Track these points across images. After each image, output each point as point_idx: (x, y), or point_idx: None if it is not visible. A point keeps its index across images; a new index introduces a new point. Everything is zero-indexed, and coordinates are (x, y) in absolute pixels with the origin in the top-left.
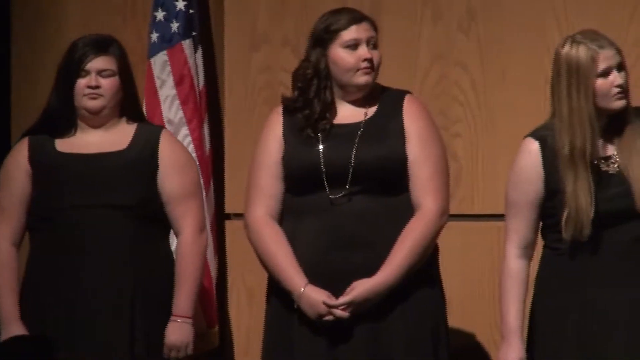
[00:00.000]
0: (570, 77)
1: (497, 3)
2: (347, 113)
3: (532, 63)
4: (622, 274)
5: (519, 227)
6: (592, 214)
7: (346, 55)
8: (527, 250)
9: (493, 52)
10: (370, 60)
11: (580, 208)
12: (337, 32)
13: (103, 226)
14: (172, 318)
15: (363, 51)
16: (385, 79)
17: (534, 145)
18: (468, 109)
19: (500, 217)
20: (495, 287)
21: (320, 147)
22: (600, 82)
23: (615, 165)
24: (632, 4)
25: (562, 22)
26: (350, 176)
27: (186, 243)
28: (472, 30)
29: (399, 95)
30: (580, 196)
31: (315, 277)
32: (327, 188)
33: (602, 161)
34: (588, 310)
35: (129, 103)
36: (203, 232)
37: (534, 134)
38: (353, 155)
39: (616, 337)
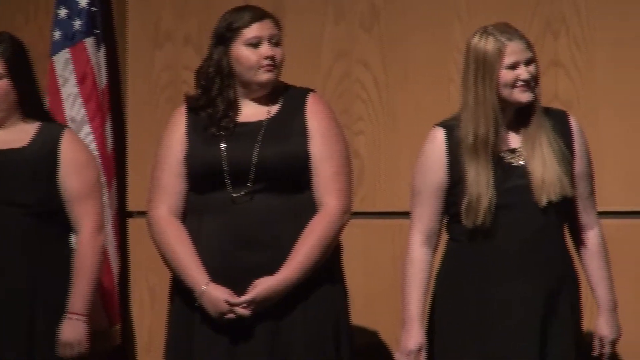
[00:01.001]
0: (477, 68)
1: (400, 1)
2: (251, 111)
3: (434, 61)
4: (522, 267)
5: (423, 215)
6: (488, 203)
7: (248, 53)
8: (431, 239)
9: (395, 50)
10: (272, 58)
11: (480, 195)
12: (239, 29)
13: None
14: (67, 315)
15: (265, 49)
16: (288, 77)
17: (439, 134)
18: (371, 107)
19: (402, 214)
20: (397, 284)
21: (223, 145)
22: (504, 73)
23: (520, 158)
24: (534, 3)
25: (464, 20)
26: (252, 174)
27: (83, 242)
28: (374, 28)
29: (302, 94)
30: (481, 184)
31: (218, 275)
32: (229, 186)
33: (508, 153)
34: (488, 303)
35: (29, 102)
36: (101, 232)
37: (442, 123)
38: (255, 154)
39: (511, 331)
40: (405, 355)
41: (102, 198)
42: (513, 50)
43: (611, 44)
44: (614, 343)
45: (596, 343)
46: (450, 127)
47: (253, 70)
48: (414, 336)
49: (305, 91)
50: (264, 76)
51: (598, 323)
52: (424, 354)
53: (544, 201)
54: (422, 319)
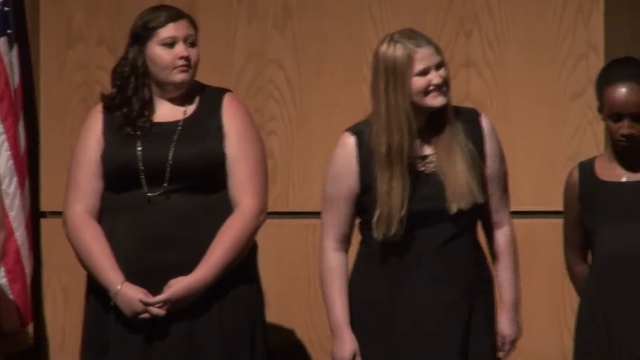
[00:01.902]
0: (387, 76)
1: (313, 1)
2: (167, 111)
3: (347, 61)
4: (433, 275)
5: (335, 221)
6: (401, 216)
7: (163, 53)
8: (344, 243)
9: (309, 49)
10: (187, 58)
11: (392, 208)
12: (154, 29)
13: None
14: None
15: (180, 49)
16: (201, 77)
17: (350, 140)
18: (284, 107)
19: (315, 214)
20: (311, 284)
21: (139, 145)
22: (416, 80)
23: (432, 165)
24: (447, 2)
25: (377, 20)
26: (168, 174)
27: None
28: (287, 27)
29: (218, 94)
30: (394, 196)
31: (133, 275)
32: (145, 186)
33: (419, 160)
34: (398, 311)
35: None
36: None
37: (352, 129)
38: (171, 154)
39: (426, 339)
40: None
41: (3, 199)
42: (422, 56)
43: (523, 43)
44: (513, 342)
45: (499, 341)
46: (361, 133)
47: (167, 70)
48: (347, 343)
49: (222, 91)
50: (179, 76)
51: (500, 322)
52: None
53: (454, 209)
54: (349, 325)
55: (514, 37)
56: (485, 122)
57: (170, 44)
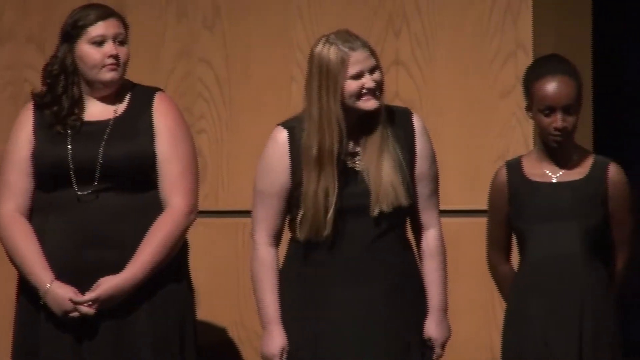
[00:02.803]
0: (321, 78)
1: (242, 0)
2: (97, 110)
3: (276, 60)
4: (358, 274)
5: (267, 216)
6: (330, 215)
7: (92, 51)
8: (276, 239)
9: (237, 48)
10: (116, 57)
11: (318, 210)
12: (84, 27)
13: None
14: None
15: (109, 47)
16: (131, 76)
17: (282, 135)
18: (213, 106)
19: (244, 213)
20: (241, 282)
21: (69, 144)
22: (349, 84)
23: (360, 163)
24: (375, 2)
25: (305, 19)
26: (98, 173)
27: None
28: (216, 26)
29: (149, 93)
30: (321, 198)
31: (64, 274)
32: (75, 185)
33: (349, 157)
34: (325, 307)
35: None
36: None
37: (285, 124)
38: (101, 153)
39: (349, 338)
40: (267, 357)
41: None
42: (357, 60)
43: (452, 41)
44: (443, 345)
45: (428, 343)
46: (293, 128)
47: (96, 69)
48: (276, 339)
49: (153, 90)
50: (108, 75)
51: (427, 324)
52: (285, 357)
53: (375, 211)
54: (280, 320)
55: (443, 36)
56: (417, 122)
57: (99, 42)
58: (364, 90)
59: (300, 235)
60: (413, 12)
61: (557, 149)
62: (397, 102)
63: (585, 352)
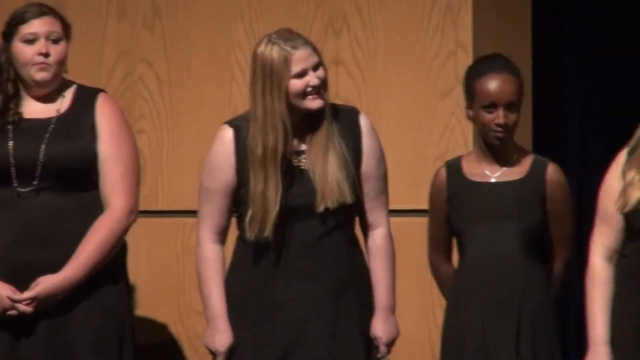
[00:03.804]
0: (264, 78)
1: (182, 0)
2: (39, 108)
3: (216, 59)
4: (304, 272)
5: (212, 213)
6: (274, 216)
7: (24, 49)
8: (221, 236)
9: (178, 48)
10: (46, 55)
11: (266, 210)
12: (17, 26)
13: None
14: None
15: (40, 46)
16: (71, 75)
17: (228, 133)
18: (153, 106)
19: (185, 212)
20: (181, 282)
21: (10, 141)
22: (293, 83)
23: (306, 162)
24: (315, 2)
25: (246, 19)
26: (38, 172)
27: None
28: (156, 26)
29: (92, 93)
30: (268, 197)
31: (3, 271)
32: (15, 183)
33: (294, 155)
34: (270, 305)
35: None
36: None
37: (231, 122)
38: (42, 151)
39: (293, 336)
40: (215, 355)
41: None
42: (299, 58)
43: (392, 42)
44: (389, 344)
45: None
46: (240, 126)
47: (28, 67)
48: (222, 334)
49: (96, 91)
50: (38, 75)
51: (373, 323)
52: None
53: (321, 208)
54: (227, 317)
55: (383, 36)
56: (364, 121)
57: (31, 40)
58: (309, 89)
59: (250, 235)
60: (353, 13)
61: (496, 149)
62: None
63: (523, 352)
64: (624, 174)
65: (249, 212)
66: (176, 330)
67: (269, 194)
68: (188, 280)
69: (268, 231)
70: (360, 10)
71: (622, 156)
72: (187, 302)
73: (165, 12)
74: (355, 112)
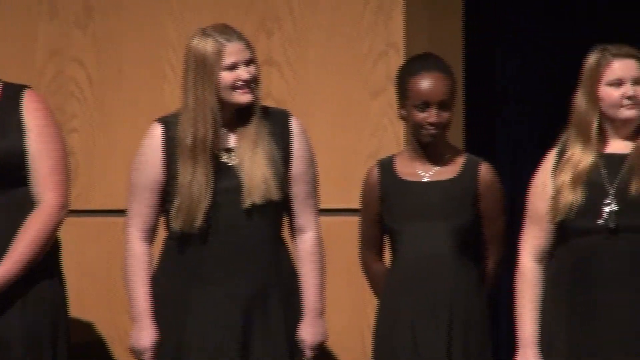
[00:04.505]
0: (197, 69)
1: (114, 0)
2: None
3: (148, 60)
4: (230, 270)
5: (140, 211)
6: (202, 207)
7: None
8: (149, 234)
9: (109, 48)
10: None
11: (193, 200)
12: None
13: None
14: None
15: None
16: (2, 75)
17: (157, 129)
18: (85, 105)
19: (116, 212)
20: (112, 281)
21: None
22: (224, 75)
23: (235, 159)
24: (247, 2)
25: (178, 19)
26: None
27: None
28: (89, 26)
29: (17, 90)
30: (195, 188)
31: None
32: None
33: (223, 152)
34: (194, 305)
35: None
36: None
37: (161, 119)
38: None
39: (211, 336)
40: (139, 352)
41: None
42: (232, 51)
43: (324, 42)
44: (316, 348)
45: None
46: (170, 123)
47: None
48: (147, 331)
49: (21, 88)
50: None
51: (301, 326)
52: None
53: (247, 203)
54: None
55: (315, 36)
56: (295, 124)
57: None
58: (239, 83)
59: (175, 225)
60: (285, 13)
61: (429, 148)
62: (269, 102)
63: (454, 352)
64: (553, 176)
65: (176, 202)
66: (107, 329)
67: (196, 184)
68: (120, 279)
69: (195, 222)
70: (292, 11)
71: (551, 156)
72: (118, 301)
73: (98, 11)
74: (286, 115)
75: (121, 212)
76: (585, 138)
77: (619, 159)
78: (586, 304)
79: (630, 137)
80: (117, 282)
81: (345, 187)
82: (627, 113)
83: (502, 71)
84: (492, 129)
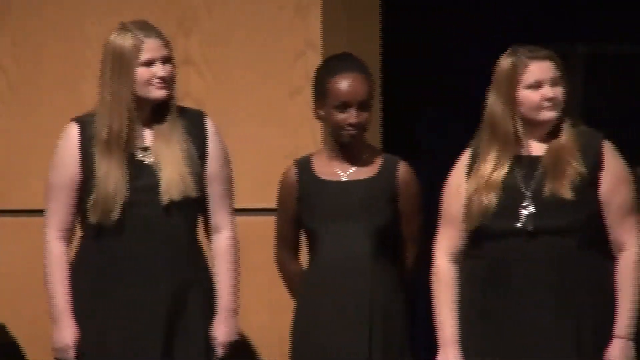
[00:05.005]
0: (114, 64)
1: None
2: None
3: (67, 59)
4: (147, 269)
5: (57, 210)
6: (117, 201)
7: None
8: (67, 234)
9: (27, 48)
10: None
11: (109, 193)
12: None
13: None
14: None
15: None
16: None
17: (73, 129)
18: (3, 105)
19: (35, 212)
20: (32, 281)
21: None
22: (141, 71)
23: (151, 157)
24: (165, 1)
25: (96, 19)
26: None
27: None
28: (6, 26)
29: None
30: (111, 181)
31: None
32: None
33: (140, 151)
34: (110, 303)
35: None
36: None
37: (77, 118)
38: None
39: (130, 336)
40: (61, 351)
41: None
42: (150, 47)
43: (242, 41)
44: (228, 346)
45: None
46: (86, 122)
47: None
48: (67, 330)
49: None
50: None
51: (214, 324)
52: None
53: (165, 200)
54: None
55: (233, 36)
56: (209, 124)
57: None
58: (155, 80)
59: (93, 218)
60: (203, 13)
61: (347, 148)
62: (187, 102)
63: (374, 351)
64: (468, 177)
65: (93, 196)
66: (27, 330)
67: (112, 177)
68: (39, 279)
69: (112, 214)
70: (211, 10)
71: (465, 157)
72: (38, 301)
73: (15, 10)
74: (201, 115)
75: (40, 212)
76: (500, 141)
77: (534, 161)
78: (502, 306)
79: (544, 139)
80: (38, 282)
81: (263, 187)
82: (547, 115)
83: (420, 71)
84: (410, 128)
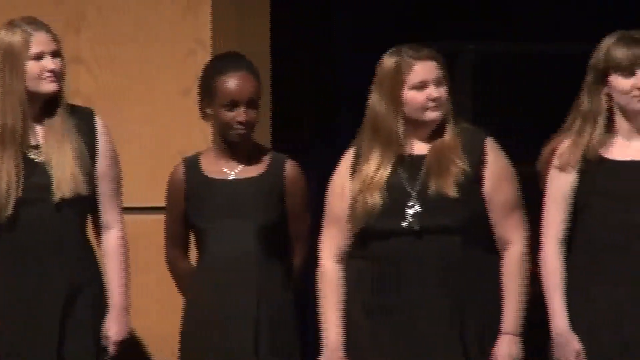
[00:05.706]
0: (5, 60)
1: None
2: None
3: None
4: (41, 269)
5: None
6: (10, 198)
7: None
8: None
9: None
10: None
11: (2, 189)
12: None
13: None
14: None
15: None
16: None
17: None
18: None
19: None
20: None
21: None
22: (31, 65)
23: (42, 155)
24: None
25: None
26: None
27: None
28: None
29: None
30: (4, 177)
31: None
32: None
33: (31, 149)
34: (15, 306)
35: None
36: None
37: None
38: None
39: (26, 335)
40: None
41: None
42: (39, 41)
43: (133, 39)
44: (119, 344)
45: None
46: None
47: None
48: None
49: None
50: None
51: (106, 323)
52: None
53: (57, 197)
54: None
55: (123, 34)
56: (99, 122)
57: None
58: (45, 73)
59: None
60: (92, 11)
61: (235, 146)
62: (77, 100)
63: (262, 350)
64: (351, 177)
65: None
66: None
67: (5, 173)
68: None
69: (6, 211)
70: (100, 8)
71: (348, 157)
72: None
73: None
74: (91, 113)
75: None
76: (383, 140)
77: (418, 160)
78: (392, 306)
79: (428, 138)
80: None
81: (153, 186)
82: (431, 115)
83: (309, 68)
84: (299, 125)
